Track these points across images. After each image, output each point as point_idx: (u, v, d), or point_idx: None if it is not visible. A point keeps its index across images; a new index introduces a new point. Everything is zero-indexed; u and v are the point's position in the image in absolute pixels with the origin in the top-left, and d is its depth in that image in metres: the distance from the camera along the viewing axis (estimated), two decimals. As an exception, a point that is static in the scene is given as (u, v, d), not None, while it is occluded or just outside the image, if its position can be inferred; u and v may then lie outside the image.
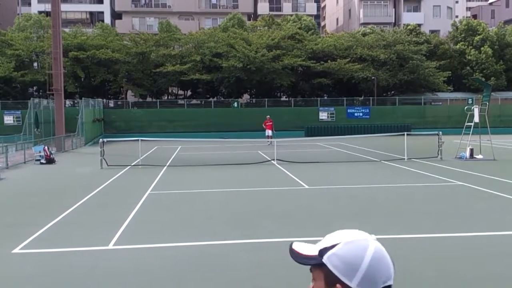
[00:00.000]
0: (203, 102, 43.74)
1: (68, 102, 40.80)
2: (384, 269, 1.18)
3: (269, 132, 29.41)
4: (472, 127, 19.79)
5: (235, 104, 41.20)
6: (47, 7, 35.76)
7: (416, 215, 9.57)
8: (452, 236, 7.93)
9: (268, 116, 30.41)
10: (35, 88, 44.21)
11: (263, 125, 30.24)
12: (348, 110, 41.11)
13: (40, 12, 49.12)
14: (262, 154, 22.19)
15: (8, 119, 37.60)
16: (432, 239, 7.76)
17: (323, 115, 40.74)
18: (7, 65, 39.09)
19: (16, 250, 7.42)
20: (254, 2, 60.34)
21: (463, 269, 6.37)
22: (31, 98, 32.61)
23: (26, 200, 11.84)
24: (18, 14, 55.04)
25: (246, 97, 47.02)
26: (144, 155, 20.94)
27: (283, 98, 45.97)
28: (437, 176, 14.81)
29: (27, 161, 20.88)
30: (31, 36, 42.83)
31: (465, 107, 20.69)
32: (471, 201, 11.20)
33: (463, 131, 20.34)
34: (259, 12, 58.57)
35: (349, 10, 62.14)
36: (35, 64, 43.18)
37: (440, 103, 44.68)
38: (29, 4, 57.53)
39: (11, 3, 60.58)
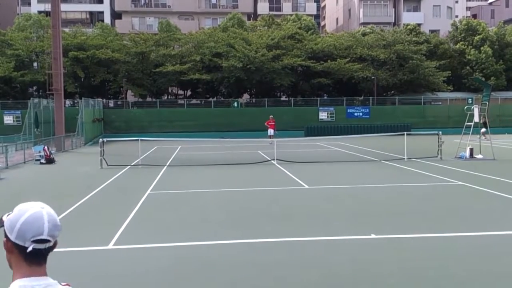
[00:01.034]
0: (203, 102, 43.76)
1: (68, 102, 40.81)
2: (34, 229, 1.60)
3: (271, 131, 29.52)
4: (472, 127, 19.80)
5: (235, 104, 41.21)
6: (47, 7, 35.78)
7: (415, 215, 9.57)
8: (452, 236, 7.93)
9: (271, 116, 30.55)
10: (35, 88, 44.21)
11: (266, 123, 30.35)
12: (348, 110, 41.12)
13: (40, 12, 49.11)
14: (262, 154, 22.20)
15: (8, 119, 37.61)
16: (432, 239, 7.75)
17: (323, 115, 40.74)
18: (7, 65, 39.09)
19: (16, 250, 7.40)
20: (254, 2, 60.33)
21: (463, 269, 6.36)
22: (31, 98, 32.62)
23: (26, 200, 11.73)
24: (18, 14, 55.02)
25: (246, 97, 47.03)
26: (144, 155, 20.94)
27: (283, 98, 45.99)
28: (437, 176, 14.81)
29: (27, 161, 20.88)
30: (31, 36, 42.82)
31: (465, 107, 20.68)
32: (471, 201, 11.20)
33: (463, 131, 20.34)
34: (259, 12, 58.57)
35: (349, 10, 62.15)
36: (35, 64, 43.15)
37: (440, 103, 44.69)
38: (29, 4, 57.51)
39: (11, 3, 60.58)
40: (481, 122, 20.96)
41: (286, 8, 59.92)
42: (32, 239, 1.60)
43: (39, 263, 1.64)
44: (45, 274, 1.65)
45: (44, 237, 1.61)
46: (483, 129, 23.51)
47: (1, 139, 25.78)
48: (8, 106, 39.34)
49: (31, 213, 1.64)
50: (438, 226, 8.57)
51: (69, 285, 1.69)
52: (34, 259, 1.62)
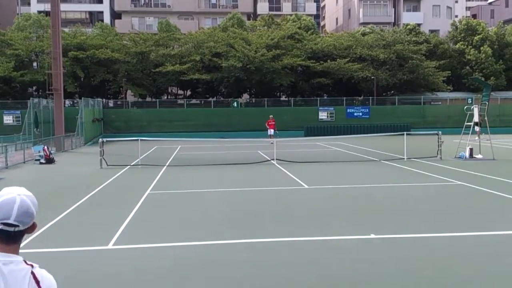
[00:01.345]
0: (202, 102, 43.76)
1: (67, 102, 40.80)
2: (3, 212, 1.80)
3: (271, 131, 29.61)
4: (472, 127, 19.79)
5: (235, 104, 41.21)
6: (47, 6, 35.76)
7: (415, 215, 9.56)
8: (452, 236, 7.93)
9: (271, 116, 30.68)
10: (34, 88, 44.18)
11: (266, 124, 30.42)
12: (348, 110, 41.11)
13: (39, 12, 49.07)
14: (262, 154, 22.20)
15: (8, 119, 37.59)
16: (432, 239, 7.75)
17: (322, 115, 40.74)
18: (6, 65, 39.07)
19: (16, 250, 7.39)
20: (254, 2, 60.31)
21: (463, 269, 6.36)
22: (31, 98, 32.60)
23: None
24: (18, 13, 54.99)
25: (245, 97, 47.02)
26: (144, 155, 20.93)
27: (283, 98, 45.97)
28: (436, 176, 14.81)
29: (26, 161, 20.87)
30: (30, 36, 42.81)
31: (465, 107, 20.68)
32: (471, 201, 11.20)
33: (462, 131, 20.35)
34: (259, 12, 58.55)
35: (349, 10, 62.15)
36: (35, 64, 43.16)
37: (440, 103, 44.69)
38: (29, 4, 57.48)
39: (11, 3, 60.55)
40: (478, 121, 20.95)
41: (286, 8, 59.91)
42: (0, 222, 1.81)
43: (8, 243, 1.84)
44: (12, 252, 1.84)
45: (10, 221, 1.82)
46: (477, 129, 23.55)
47: (1, 139, 25.75)
48: (8, 106, 39.33)
49: (6, 198, 1.84)
50: (438, 226, 8.57)
51: (32, 265, 1.85)
52: (3, 238, 1.83)
